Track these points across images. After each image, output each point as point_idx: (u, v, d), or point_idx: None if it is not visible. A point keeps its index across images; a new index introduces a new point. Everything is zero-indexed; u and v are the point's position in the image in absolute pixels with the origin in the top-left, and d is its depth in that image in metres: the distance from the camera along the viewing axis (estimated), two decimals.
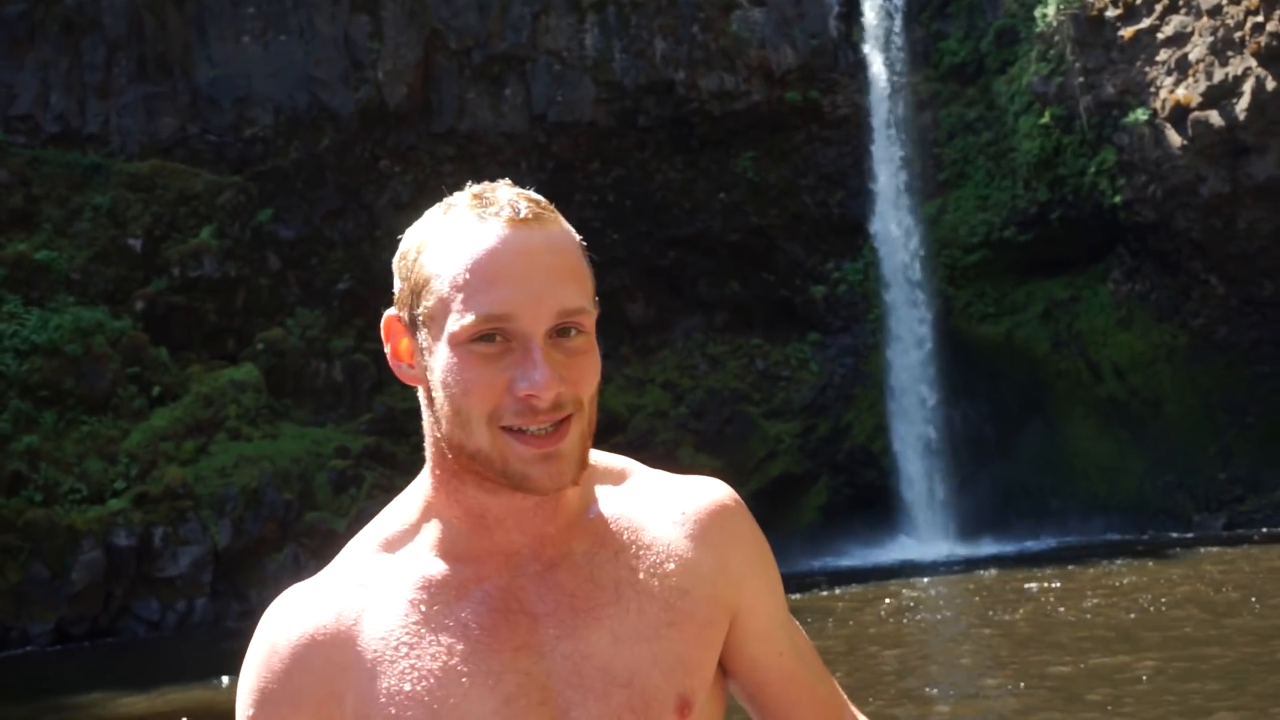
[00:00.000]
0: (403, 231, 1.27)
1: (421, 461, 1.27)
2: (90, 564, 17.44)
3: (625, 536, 1.25)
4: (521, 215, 1.15)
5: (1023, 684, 9.65)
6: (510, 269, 1.13)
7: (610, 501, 1.28)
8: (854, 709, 1.40)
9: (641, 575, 1.22)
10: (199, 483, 18.66)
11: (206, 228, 21.62)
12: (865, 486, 24.20)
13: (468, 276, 1.13)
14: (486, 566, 1.21)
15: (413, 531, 1.24)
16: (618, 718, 1.18)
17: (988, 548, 21.63)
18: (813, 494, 24.27)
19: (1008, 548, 21.40)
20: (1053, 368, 23.75)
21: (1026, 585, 15.59)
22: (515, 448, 1.14)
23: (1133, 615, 12.38)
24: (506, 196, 1.17)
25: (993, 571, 17.76)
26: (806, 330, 25.82)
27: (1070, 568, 17.06)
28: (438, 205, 1.23)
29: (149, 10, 22.87)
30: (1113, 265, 23.95)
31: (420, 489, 1.25)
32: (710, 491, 1.31)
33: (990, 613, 13.77)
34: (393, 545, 1.23)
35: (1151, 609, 12.66)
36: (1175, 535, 20.55)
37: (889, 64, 25.56)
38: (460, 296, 1.13)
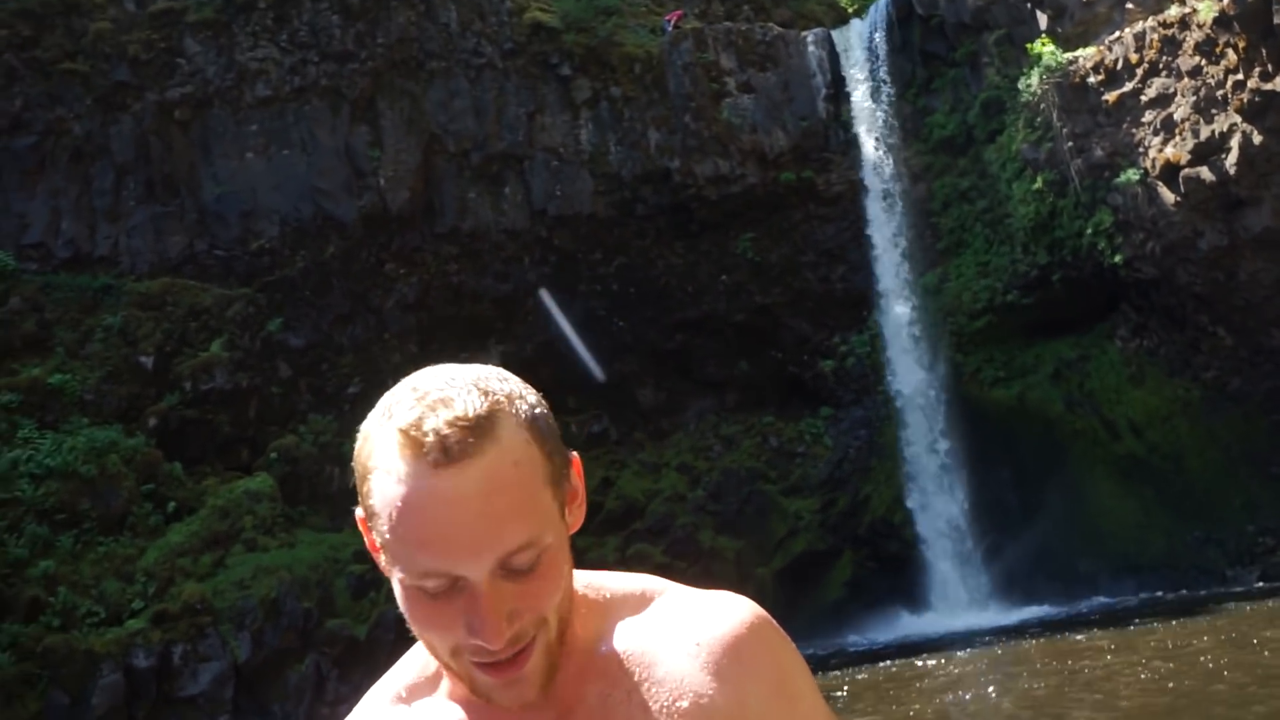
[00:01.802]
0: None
1: None
2: (110, 688, 17.14)
3: (638, 674, 1.22)
4: (451, 457, 1.09)
5: None
6: (442, 525, 1.08)
7: (624, 635, 1.25)
8: None
9: (655, 715, 1.20)
10: (217, 597, 18.46)
11: (217, 340, 21.83)
12: (890, 559, 23.84)
13: (401, 533, 1.10)
14: (504, 717, 1.22)
15: (434, 680, 1.26)
16: None
17: (1019, 615, 21.18)
18: (837, 569, 23.90)
19: (1040, 613, 20.95)
20: (1068, 428, 23.58)
21: (1065, 655, 15.19)
22: (478, 675, 1.15)
23: (1189, 683, 11.92)
24: (435, 429, 1.09)
25: (1028, 641, 17.34)
26: (818, 405, 25.78)
27: (1109, 631, 16.63)
28: (383, 400, 1.17)
29: (155, 134, 23.52)
30: (1118, 323, 23.96)
31: None
32: (729, 617, 1.25)
33: (1028, 686, 13.38)
34: (413, 694, 1.26)
35: (1213, 670, 12.24)
36: (1211, 592, 20.09)
37: (879, 140, 26.03)
38: (397, 549, 1.11)
